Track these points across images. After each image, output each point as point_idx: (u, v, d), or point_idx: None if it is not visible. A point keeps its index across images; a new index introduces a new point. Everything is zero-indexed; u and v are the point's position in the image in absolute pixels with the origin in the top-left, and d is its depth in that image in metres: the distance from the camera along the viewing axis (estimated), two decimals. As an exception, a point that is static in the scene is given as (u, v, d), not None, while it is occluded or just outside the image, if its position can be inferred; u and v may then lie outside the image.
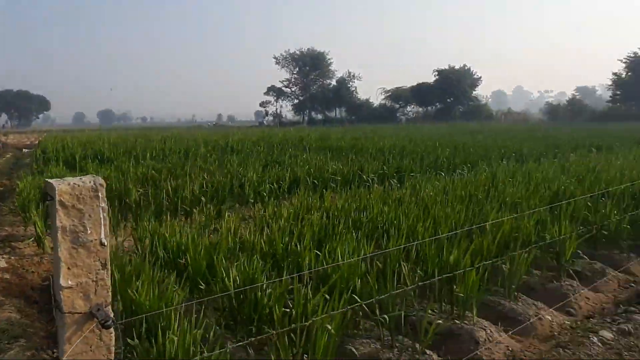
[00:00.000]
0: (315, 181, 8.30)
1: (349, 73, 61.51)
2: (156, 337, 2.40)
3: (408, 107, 59.87)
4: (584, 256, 4.78)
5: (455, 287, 3.55)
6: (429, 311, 3.38)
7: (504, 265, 4.01)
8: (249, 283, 3.09)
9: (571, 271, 4.41)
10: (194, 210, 6.24)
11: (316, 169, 9.04)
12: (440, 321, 3.33)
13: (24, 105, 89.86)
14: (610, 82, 54.24)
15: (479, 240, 4.10)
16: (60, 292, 1.40)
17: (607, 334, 3.26)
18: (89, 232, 1.43)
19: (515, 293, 3.91)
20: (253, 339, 2.52)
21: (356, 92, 61.10)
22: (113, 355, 1.51)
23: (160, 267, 3.75)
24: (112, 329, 1.48)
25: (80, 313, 1.41)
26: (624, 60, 52.54)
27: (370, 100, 61.48)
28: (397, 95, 58.64)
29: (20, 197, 6.32)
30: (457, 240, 4.00)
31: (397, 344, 3.09)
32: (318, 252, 3.80)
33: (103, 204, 1.48)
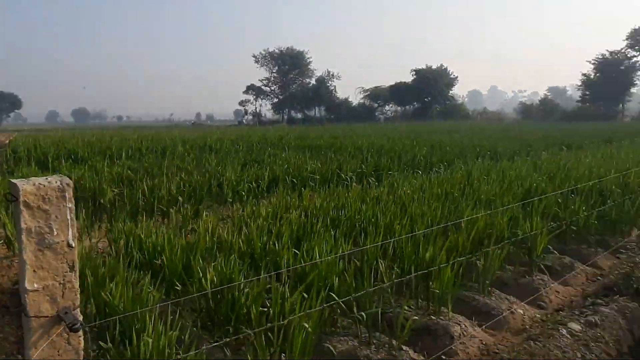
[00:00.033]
0: (294, 180, 8.30)
1: (328, 72, 61.62)
2: (131, 340, 2.36)
3: (386, 106, 60.40)
4: (554, 251, 4.92)
5: (431, 283, 3.62)
6: (406, 307, 3.43)
7: (478, 261, 4.09)
8: (226, 283, 3.07)
9: (542, 266, 4.55)
10: (171, 210, 6.15)
11: (295, 168, 9.04)
12: (416, 317, 3.38)
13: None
14: (579, 83, 56.05)
15: (454, 237, 4.18)
16: (26, 295, 1.36)
17: (575, 326, 3.37)
18: (56, 233, 1.39)
19: (489, 288, 4.00)
20: (229, 339, 2.51)
21: (335, 91, 61.27)
22: (82, 358, 1.48)
23: (136, 268, 3.69)
24: (80, 333, 1.45)
25: (47, 317, 1.37)
26: (593, 62, 54.39)
27: (349, 100, 61.75)
28: (376, 95, 59.04)
29: (-12, 198, 6.10)
30: (433, 237, 4.06)
31: (374, 341, 3.13)
32: (296, 251, 3.80)
33: (70, 205, 1.45)
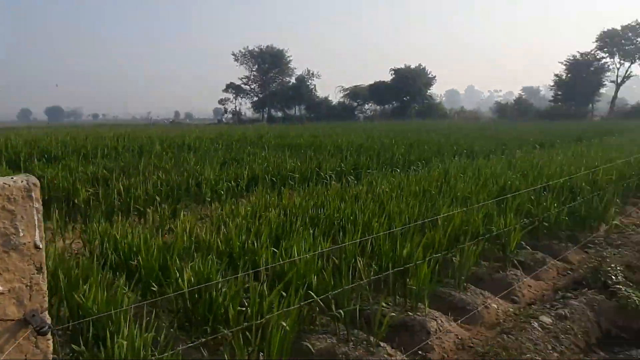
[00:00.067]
0: (274, 179, 8.28)
1: (309, 71, 61.51)
2: (105, 342, 2.32)
3: (366, 105, 60.68)
4: (527, 247, 5.06)
5: (408, 280, 3.67)
6: (383, 304, 3.47)
7: (454, 258, 4.17)
8: (203, 283, 3.05)
9: (515, 261, 4.67)
10: (148, 210, 6.06)
11: (275, 167, 9.02)
12: (394, 314, 3.43)
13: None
14: (552, 83, 57.63)
15: (430, 234, 4.24)
16: (-9, 298, 1.32)
17: (546, 319, 3.48)
18: (22, 234, 1.35)
19: (465, 284, 4.08)
20: (204, 339, 2.49)
21: (315, 90, 61.22)
22: (51, 362, 1.45)
23: (111, 269, 3.63)
24: (49, 336, 1.42)
25: (13, 320, 1.33)
26: (565, 63, 55.98)
27: (329, 99, 61.80)
28: (355, 94, 59.25)
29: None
30: (411, 234, 4.12)
31: (352, 338, 3.16)
32: (275, 250, 3.80)
33: (37, 205, 1.41)
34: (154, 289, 3.20)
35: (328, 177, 8.59)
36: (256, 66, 63.78)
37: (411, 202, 5.29)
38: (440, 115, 54.97)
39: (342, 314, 3.17)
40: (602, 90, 57.68)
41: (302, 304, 2.88)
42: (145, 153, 12.34)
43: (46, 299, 1.41)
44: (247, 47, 63.92)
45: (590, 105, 55.60)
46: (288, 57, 63.53)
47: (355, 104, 60.24)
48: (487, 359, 2.99)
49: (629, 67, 55.52)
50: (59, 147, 13.08)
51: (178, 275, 3.12)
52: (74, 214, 6.25)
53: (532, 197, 5.85)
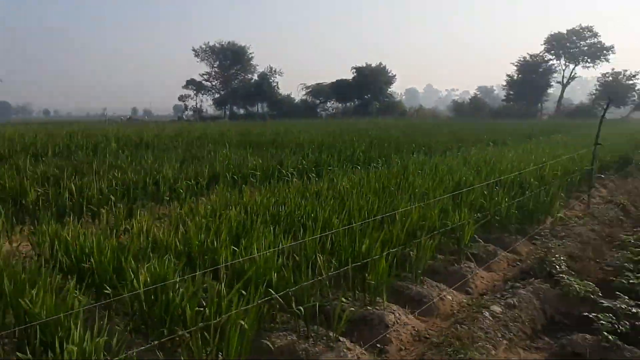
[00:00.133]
0: (235, 177, 8.20)
1: (271, 68, 61.00)
2: (54, 349, 2.24)
3: (328, 102, 60.97)
4: (480, 240, 5.30)
5: (367, 275, 3.75)
6: (343, 299, 3.53)
7: (411, 252, 4.30)
8: (160, 284, 2.99)
9: (469, 254, 4.87)
10: (102, 210, 5.85)
11: (236, 165, 8.92)
12: (353, 308, 3.50)
13: None
14: (505, 83, 60.24)
15: (389, 229, 4.35)
16: None
17: (496, 309, 3.66)
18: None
19: (422, 277, 4.23)
20: (157, 341, 2.45)
21: (278, 87, 60.85)
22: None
23: (62, 272, 3.49)
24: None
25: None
26: (516, 64, 58.71)
27: (292, 96, 61.61)
28: (318, 91, 59.38)
29: None
30: (370, 230, 4.21)
31: (312, 334, 3.20)
32: (235, 248, 3.78)
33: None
34: (108, 291, 3.11)
35: (290, 175, 8.60)
36: (217, 62, 62.54)
37: (371, 199, 5.39)
38: (400, 113, 56.16)
39: (302, 310, 3.21)
40: (550, 91, 61.02)
41: (259, 301, 2.89)
42: (100, 151, 11.87)
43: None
44: (208, 42, 62.52)
45: (540, 105, 58.59)
46: (250, 53, 62.72)
47: (318, 101, 60.39)
48: (442, 349, 3.12)
49: (573, 69, 59.11)
50: (5, 145, 12.33)
51: (133, 276, 3.04)
52: (22, 216, 5.94)
53: (485, 192, 6.11)
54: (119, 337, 2.49)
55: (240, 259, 3.40)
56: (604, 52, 56.68)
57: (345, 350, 3.06)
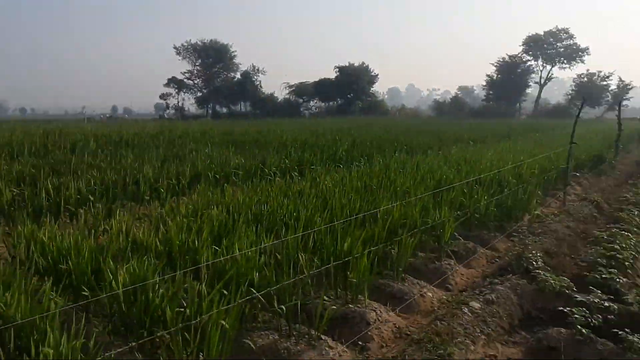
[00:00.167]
0: (217, 176, 8.14)
1: (254, 67, 60.58)
2: (29, 352, 2.20)
3: (311, 102, 60.94)
4: (460, 237, 5.39)
5: (349, 273, 3.78)
6: (325, 298, 3.55)
7: (392, 250, 4.35)
8: (140, 284, 2.96)
9: (449, 251, 4.96)
10: (80, 210, 5.74)
11: (218, 164, 8.86)
12: (334, 307, 3.52)
13: None
14: (484, 83, 61.28)
15: (370, 227, 4.39)
16: None
17: (475, 304, 3.73)
18: None
19: (403, 274, 4.28)
20: (136, 343, 2.43)
21: (261, 86, 60.49)
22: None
23: (38, 274, 3.43)
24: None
25: None
26: (495, 64, 59.74)
27: (275, 95, 61.36)
28: (301, 91, 59.28)
29: None
30: (352, 228, 4.24)
31: (294, 333, 3.21)
32: (217, 248, 3.76)
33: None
34: (86, 293, 3.06)
35: (272, 174, 8.58)
36: (199, 60, 61.79)
37: (353, 197, 5.43)
38: (382, 112, 56.54)
39: (284, 309, 3.21)
40: (528, 91, 62.36)
41: (240, 301, 2.88)
42: (79, 150, 11.62)
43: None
44: (190, 40, 61.71)
45: (518, 105, 59.78)
46: (232, 52, 62.18)
47: (301, 100, 60.31)
48: (422, 345, 3.17)
49: (550, 69, 60.51)
50: (-23, 144, 11.97)
51: (112, 277, 3.00)
52: (-4, 217, 5.79)
53: (465, 191, 6.22)
54: (97, 339, 2.45)
55: (222, 259, 3.38)
56: (579, 53, 58.14)
57: (327, 348, 3.08)
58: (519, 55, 59.57)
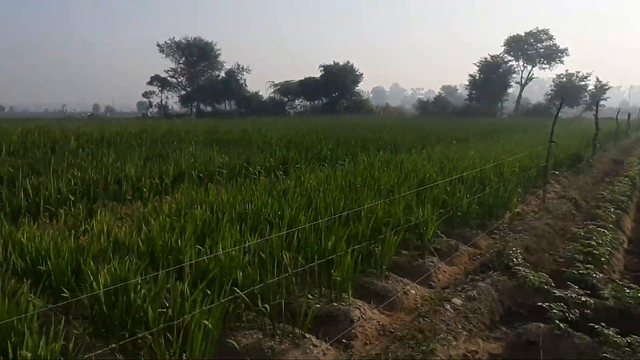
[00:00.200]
0: (201, 175, 8.07)
1: (238, 65, 60.16)
2: (7, 355, 2.15)
3: (296, 100, 60.86)
4: (442, 235, 5.45)
5: (333, 271, 3.79)
6: (309, 296, 3.56)
7: (376, 248, 4.38)
8: (121, 284, 2.92)
9: (432, 249, 5.01)
10: (60, 210, 5.63)
11: (202, 163, 8.78)
12: (318, 305, 3.53)
13: None
14: (467, 83, 62.09)
15: (354, 226, 4.41)
16: None
17: (457, 301, 3.79)
18: None
19: (386, 272, 4.31)
20: (118, 344, 2.40)
21: (245, 85, 60.11)
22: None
23: (16, 276, 3.35)
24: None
25: None
26: (477, 64, 60.57)
27: (260, 94, 61.06)
28: (286, 89, 59.13)
29: None
30: (336, 227, 4.26)
31: (278, 332, 3.21)
32: (200, 247, 3.74)
33: None
34: (66, 294, 3.01)
35: (257, 173, 8.55)
36: (183, 58, 61.08)
37: (337, 196, 5.45)
38: (367, 111, 56.84)
39: (268, 308, 3.21)
40: (510, 91, 63.43)
41: (223, 300, 2.87)
42: (59, 149, 11.39)
43: None
44: (174, 38, 60.94)
45: (500, 104, 60.73)
46: (217, 50, 61.62)
47: (286, 99, 60.17)
48: (405, 342, 3.20)
49: (531, 70, 61.61)
50: (-48, 143, 11.62)
51: (92, 278, 2.96)
52: (-28, 218, 5.63)
53: (448, 189, 6.29)
54: (77, 341, 2.42)
55: (205, 258, 3.36)
56: (559, 54, 59.32)
57: (311, 346, 3.09)
58: (501, 55, 60.54)
